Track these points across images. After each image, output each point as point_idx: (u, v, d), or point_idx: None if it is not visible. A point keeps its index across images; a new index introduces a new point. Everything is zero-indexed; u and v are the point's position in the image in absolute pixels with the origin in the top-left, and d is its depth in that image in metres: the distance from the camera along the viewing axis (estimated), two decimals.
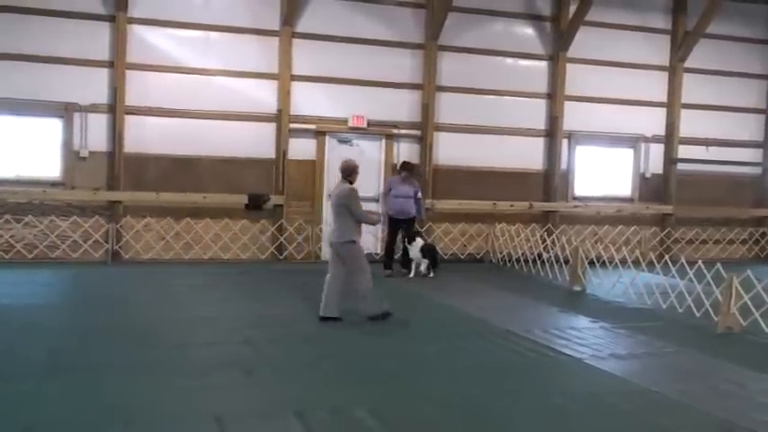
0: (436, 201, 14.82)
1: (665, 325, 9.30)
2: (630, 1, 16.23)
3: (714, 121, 16.87)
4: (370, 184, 14.01)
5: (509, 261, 14.28)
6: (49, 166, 13.13)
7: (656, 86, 16.56)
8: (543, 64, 15.78)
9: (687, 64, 16.55)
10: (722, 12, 15.98)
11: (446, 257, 14.33)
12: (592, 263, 12.06)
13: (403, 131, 14.84)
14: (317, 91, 14.31)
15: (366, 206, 9.88)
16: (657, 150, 16.67)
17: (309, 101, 14.24)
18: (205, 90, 13.68)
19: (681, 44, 16.47)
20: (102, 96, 13.22)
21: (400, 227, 12.75)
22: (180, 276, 11.86)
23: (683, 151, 16.69)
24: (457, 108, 15.11)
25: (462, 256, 14.97)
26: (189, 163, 13.65)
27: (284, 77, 14.01)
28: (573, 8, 15.50)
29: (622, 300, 10.96)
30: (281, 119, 14.01)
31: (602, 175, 16.45)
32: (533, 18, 15.70)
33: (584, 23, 15.42)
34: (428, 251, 12.73)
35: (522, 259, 13.88)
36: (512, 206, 15.49)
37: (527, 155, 15.65)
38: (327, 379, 6.60)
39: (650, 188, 16.64)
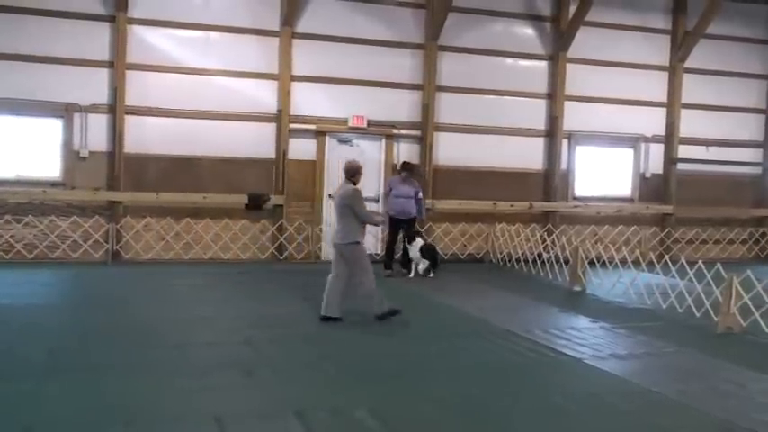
0: (436, 201, 14.82)
1: (665, 325, 9.30)
2: (630, 1, 16.23)
3: (714, 121, 16.87)
4: (370, 184, 14.00)
5: (509, 261, 14.28)
6: (49, 166, 13.13)
7: (656, 86, 16.56)
8: (543, 64, 15.78)
9: (687, 64, 16.55)
10: (722, 12, 15.98)
11: (446, 257, 14.33)
12: (592, 263, 12.06)
13: (403, 132, 14.84)
14: (317, 91, 14.31)
15: (367, 206, 9.87)
16: (657, 150, 16.67)
17: (309, 101, 14.24)
18: (205, 90, 13.69)
19: (681, 44, 16.47)
20: (103, 96, 13.22)
21: (401, 227, 12.76)
22: (180, 276, 11.86)
23: (683, 151, 16.69)
24: (457, 108, 15.11)
25: (462, 256, 14.97)
26: (189, 163, 13.65)
27: (284, 78, 14.01)
28: (573, 8, 15.50)
29: (622, 300, 10.96)
30: (281, 119, 14.02)
31: (602, 175, 16.45)
32: (533, 18, 15.70)
33: (584, 23, 15.42)
34: (428, 251, 12.73)
35: (522, 259, 13.88)
36: (512, 206, 15.49)
37: (527, 155, 15.66)
38: (327, 379, 6.60)
39: (650, 188, 16.64)
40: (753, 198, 17.45)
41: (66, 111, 13.06)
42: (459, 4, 14.61)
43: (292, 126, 14.15)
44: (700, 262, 10.05)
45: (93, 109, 13.17)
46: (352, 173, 9.07)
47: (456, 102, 15.10)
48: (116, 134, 13.17)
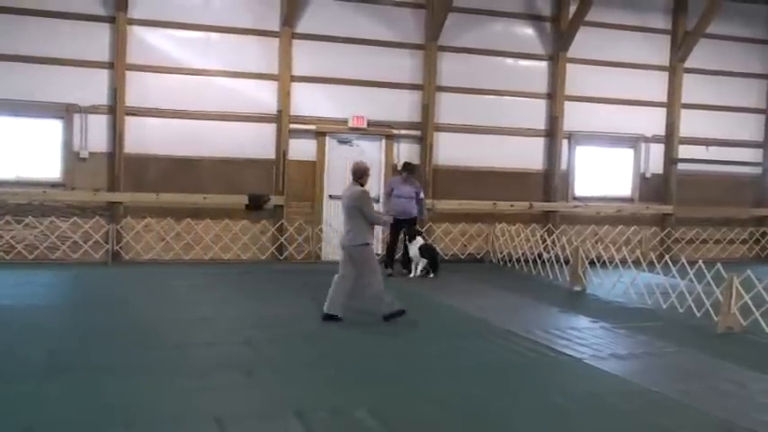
0: (436, 201, 14.81)
1: (665, 325, 9.30)
2: (630, 1, 16.23)
3: (714, 121, 16.87)
4: (370, 184, 13.91)
5: (509, 261, 14.28)
6: (49, 167, 13.13)
7: (657, 86, 16.56)
8: (543, 64, 15.78)
9: (687, 64, 16.55)
10: (722, 12, 15.98)
11: (446, 257, 14.33)
12: (592, 263, 12.06)
13: (403, 132, 14.84)
14: (317, 91, 14.31)
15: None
16: (657, 150, 16.67)
17: (309, 101, 14.25)
18: (205, 91, 13.69)
19: (681, 44, 16.47)
20: (103, 97, 13.23)
21: (402, 227, 12.76)
22: (180, 277, 11.86)
23: (684, 151, 16.69)
24: (457, 108, 15.11)
25: (462, 257, 14.97)
26: (189, 163, 13.65)
27: (284, 78, 14.02)
28: (573, 8, 15.50)
29: (623, 300, 10.95)
30: (282, 119, 14.02)
31: (602, 175, 16.45)
32: (533, 18, 15.70)
33: (584, 24, 15.42)
34: (427, 251, 12.73)
35: (522, 259, 13.88)
36: (512, 206, 15.49)
37: (527, 155, 15.66)
38: (327, 379, 6.60)
39: (650, 188, 16.64)
40: (753, 198, 17.45)
41: (66, 111, 13.06)
42: (459, 4, 14.61)
43: (292, 126, 14.15)
44: (700, 262, 10.05)
45: (94, 110, 13.18)
46: (360, 174, 9.07)
47: (456, 102, 15.10)
48: (116, 135, 13.18)
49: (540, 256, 13.40)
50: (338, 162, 14.41)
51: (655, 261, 11.26)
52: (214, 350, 7.46)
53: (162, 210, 13.53)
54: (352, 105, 14.45)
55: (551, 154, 15.78)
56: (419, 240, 12.72)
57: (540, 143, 15.80)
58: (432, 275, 12.65)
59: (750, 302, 8.90)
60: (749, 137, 17.33)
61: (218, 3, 13.92)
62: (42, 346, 7.26)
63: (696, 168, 16.70)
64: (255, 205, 13.94)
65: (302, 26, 14.16)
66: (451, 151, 15.09)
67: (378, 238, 14.23)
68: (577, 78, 15.76)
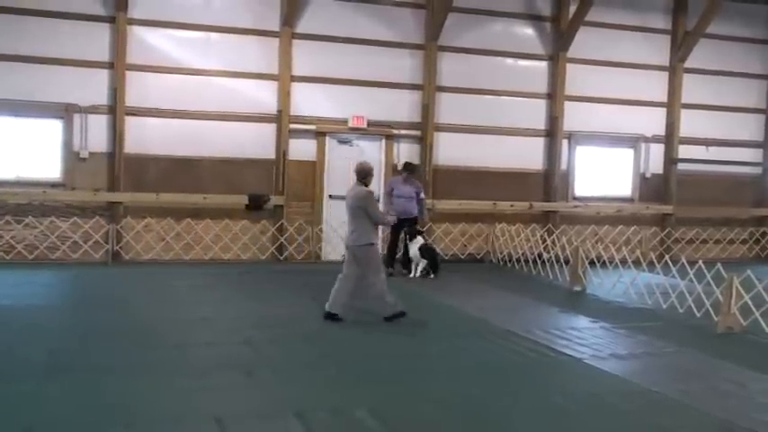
0: (436, 201, 14.81)
1: (665, 325, 9.30)
2: (630, 1, 16.23)
3: (714, 122, 16.87)
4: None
5: (509, 261, 14.28)
6: (49, 167, 13.13)
7: (657, 86, 16.56)
8: (543, 64, 15.78)
9: (687, 64, 16.55)
10: (722, 12, 15.97)
11: (446, 258, 14.33)
12: (592, 263, 12.06)
13: (403, 132, 14.85)
14: (317, 91, 14.31)
15: None
16: (657, 150, 16.67)
17: (309, 101, 14.25)
18: (205, 91, 13.69)
19: (681, 44, 16.47)
20: (103, 97, 13.23)
21: (403, 227, 12.76)
22: (180, 277, 11.86)
23: (684, 151, 16.69)
24: (457, 108, 15.11)
25: (462, 257, 14.97)
26: (189, 164, 13.65)
27: (284, 78, 14.02)
28: (573, 8, 15.50)
29: (623, 300, 10.95)
30: (282, 119, 14.02)
31: (602, 175, 16.44)
32: (533, 18, 15.70)
33: (584, 24, 15.42)
34: (427, 251, 12.73)
35: (522, 259, 13.88)
36: (512, 206, 15.49)
37: (527, 155, 15.66)
38: (328, 379, 6.60)
39: (650, 188, 16.64)
40: (753, 198, 17.45)
41: (66, 111, 13.06)
42: (459, 4, 14.61)
43: (292, 126, 14.15)
44: (700, 262, 10.05)
45: (93, 110, 13.18)
46: (364, 174, 9.08)
47: (456, 102, 15.10)
48: (116, 135, 13.18)
49: (540, 256, 13.40)
50: (338, 162, 14.42)
51: (655, 261, 11.26)
52: (214, 350, 7.46)
53: (162, 210, 13.52)
54: (352, 105, 14.45)
55: (551, 154, 15.78)
56: (419, 240, 12.72)
57: (540, 143, 15.80)
58: (432, 276, 12.65)
59: (750, 302, 8.90)
60: (749, 137, 17.33)
61: (218, 3, 13.92)
62: (42, 346, 7.26)
63: (696, 168, 16.70)
64: (255, 205, 13.94)
65: (302, 26, 14.16)
66: (451, 151, 15.09)
67: (379, 237, 14.25)
68: (577, 78, 15.76)
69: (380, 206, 13.11)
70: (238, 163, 13.89)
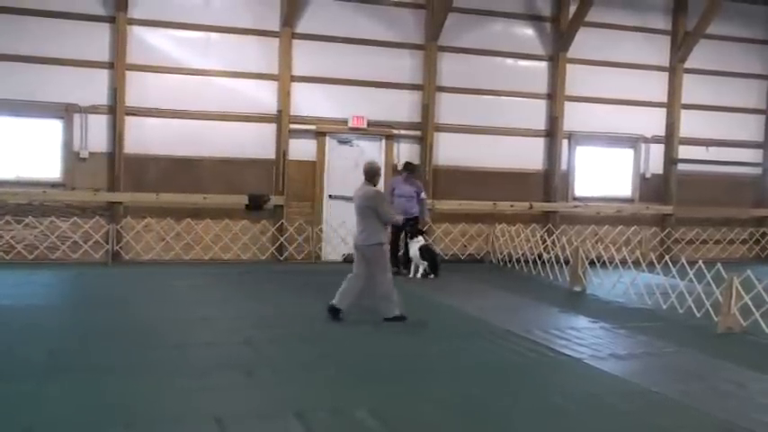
0: (436, 201, 14.80)
1: (665, 325, 9.30)
2: (630, 1, 16.23)
3: (714, 122, 16.87)
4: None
5: (509, 261, 14.28)
6: (49, 167, 13.13)
7: (656, 87, 16.56)
8: (543, 64, 15.79)
9: (687, 64, 16.55)
10: (722, 12, 15.98)
11: (446, 258, 14.33)
12: (592, 263, 12.05)
13: (403, 132, 14.85)
14: (317, 92, 14.32)
15: None
16: (657, 151, 16.67)
17: (309, 101, 14.25)
18: (205, 91, 13.69)
19: (681, 44, 16.47)
20: (103, 97, 13.23)
21: (404, 227, 12.77)
22: (180, 277, 11.86)
23: (683, 151, 16.69)
24: (457, 108, 15.11)
25: (462, 257, 14.97)
26: (189, 164, 13.65)
27: (284, 78, 14.02)
28: (573, 8, 15.50)
29: (623, 300, 10.95)
30: (282, 119, 14.02)
31: (602, 175, 16.45)
32: (533, 18, 15.70)
33: (584, 24, 15.42)
34: (427, 252, 12.73)
35: (522, 260, 13.88)
36: (512, 206, 15.49)
37: (527, 155, 15.66)
38: (327, 379, 6.60)
39: (650, 188, 16.64)
40: (753, 198, 17.46)
41: (66, 111, 13.06)
42: (459, 5, 14.61)
43: (292, 126, 14.15)
44: (700, 262, 10.04)
45: (93, 110, 13.18)
46: (372, 174, 9.12)
47: (456, 102, 15.11)
48: (116, 135, 13.18)
49: (540, 256, 13.40)
50: (338, 162, 14.44)
51: (655, 261, 11.26)
52: (214, 350, 7.46)
53: (162, 210, 13.53)
54: (352, 105, 14.45)
55: (551, 154, 15.78)
56: (420, 240, 12.73)
57: (540, 143, 15.81)
58: (432, 276, 12.65)
59: (750, 303, 8.89)
60: (749, 137, 17.33)
61: (218, 3, 13.92)
62: (42, 346, 7.26)
63: (696, 169, 16.71)
64: (255, 205, 13.94)
65: (302, 26, 14.16)
66: (451, 151, 15.09)
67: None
68: (577, 79, 15.76)
69: None
70: (238, 163, 13.89)
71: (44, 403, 5.65)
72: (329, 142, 14.46)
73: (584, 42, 15.62)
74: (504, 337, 8.36)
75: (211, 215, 13.77)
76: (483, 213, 15.25)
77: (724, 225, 17.01)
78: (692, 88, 16.62)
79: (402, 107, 14.81)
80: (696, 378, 6.95)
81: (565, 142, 15.88)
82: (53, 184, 13.10)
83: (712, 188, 16.76)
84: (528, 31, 15.71)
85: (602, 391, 6.43)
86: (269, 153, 14.06)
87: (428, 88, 14.81)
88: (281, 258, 14.06)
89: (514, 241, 14.33)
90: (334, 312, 8.83)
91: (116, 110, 13.16)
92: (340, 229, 14.24)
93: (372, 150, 14.62)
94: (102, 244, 13.23)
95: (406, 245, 12.86)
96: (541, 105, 15.78)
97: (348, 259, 14.07)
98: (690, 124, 16.68)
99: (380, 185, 13.90)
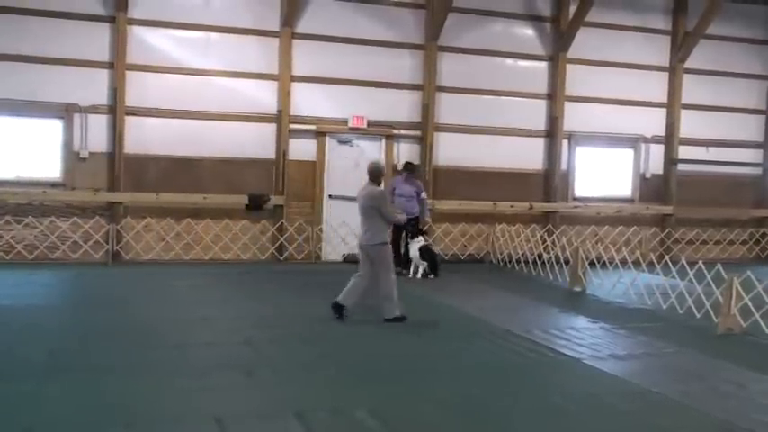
0: (436, 201, 14.80)
1: (665, 325, 9.30)
2: (630, 1, 16.23)
3: (714, 122, 16.87)
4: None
5: (509, 262, 14.28)
6: (49, 166, 13.13)
7: (657, 87, 16.56)
8: (543, 64, 15.79)
9: (687, 65, 16.55)
10: (722, 13, 15.98)
11: (446, 258, 14.34)
12: (592, 263, 12.05)
13: (403, 132, 14.85)
14: (317, 92, 14.32)
15: None
16: (657, 151, 16.67)
17: (309, 101, 14.25)
18: (205, 91, 13.69)
19: (681, 45, 16.47)
20: (103, 97, 13.23)
21: (405, 227, 12.77)
22: (180, 277, 11.86)
23: (683, 152, 16.69)
24: (457, 108, 15.11)
25: (462, 257, 14.98)
26: (189, 164, 13.65)
27: (284, 78, 14.02)
28: (573, 9, 15.50)
29: (622, 300, 10.95)
30: (282, 119, 14.02)
31: (602, 175, 16.45)
32: (533, 19, 15.70)
33: (584, 24, 15.42)
34: (427, 252, 12.73)
35: (522, 260, 13.88)
36: (512, 207, 15.49)
37: (527, 155, 15.66)
38: (327, 379, 6.60)
39: (650, 189, 16.64)
40: (753, 199, 17.45)
41: (66, 111, 13.06)
42: (460, 5, 14.61)
43: (292, 126, 14.15)
44: (700, 262, 10.04)
45: (94, 110, 13.18)
46: (377, 174, 9.15)
47: (456, 102, 15.11)
48: (116, 135, 13.18)
49: (540, 256, 13.40)
50: (338, 162, 14.44)
51: (655, 262, 11.26)
52: (214, 350, 7.46)
53: (162, 210, 13.53)
54: (352, 105, 14.46)
55: (551, 154, 15.79)
56: (420, 240, 12.73)
57: (540, 143, 15.81)
58: (432, 276, 12.65)
59: (750, 303, 8.89)
60: (749, 137, 17.33)
61: (218, 3, 13.93)
62: (42, 346, 7.26)
63: (696, 169, 16.71)
64: (255, 205, 13.94)
65: (302, 26, 14.16)
66: (451, 151, 15.10)
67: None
68: (577, 79, 15.77)
69: None
70: (238, 163, 13.89)
71: (44, 403, 5.65)
72: (329, 142, 14.46)
73: (584, 42, 15.62)
74: (504, 337, 8.36)
75: (211, 215, 13.77)
76: (483, 213, 15.25)
77: (724, 225, 17.01)
78: (692, 88, 16.62)
79: (402, 107, 14.81)
80: (696, 378, 6.95)
81: (565, 142, 15.88)
82: (53, 184, 13.10)
83: (712, 188, 16.76)
84: (528, 31, 15.72)
85: (602, 391, 6.44)
86: (269, 153, 14.06)
87: (428, 88, 14.82)
88: (281, 258, 14.06)
89: (514, 241, 14.33)
90: (338, 309, 8.86)
91: (116, 110, 13.16)
92: (340, 229, 14.24)
93: (372, 150, 14.63)
94: (102, 244, 13.23)
95: (407, 245, 12.87)
96: (541, 105, 15.78)
97: (348, 259, 14.13)
98: (690, 124, 16.68)
99: (382, 185, 14.16)
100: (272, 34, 13.99)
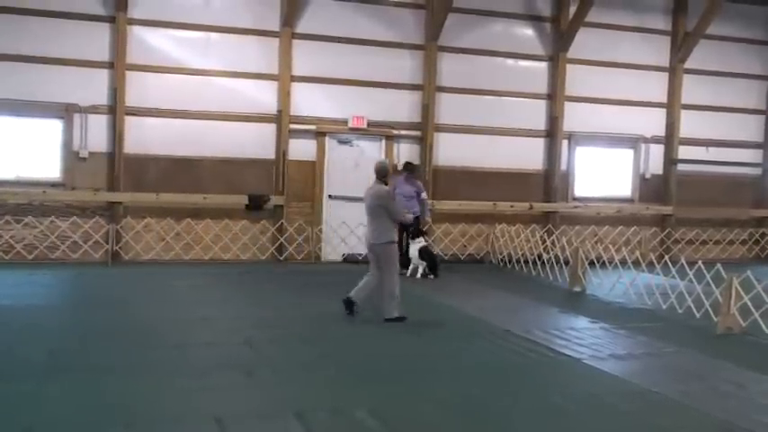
0: (436, 201, 14.80)
1: (665, 325, 9.30)
2: (630, 2, 16.24)
3: (714, 122, 16.88)
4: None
5: (509, 262, 14.28)
6: (49, 166, 13.13)
7: (656, 87, 16.57)
8: (543, 65, 15.79)
9: (687, 65, 16.56)
10: (722, 13, 15.99)
11: (446, 258, 14.34)
12: (592, 263, 12.06)
13: (403, 132, 14.85)
14: (317, 92, 14.32)
15: None
16: (657, 151, 16.68)
17: (309, 101, 14.26)
18: (205, 91, 13.70)
19: (681, 45, 16.48)
20: (103, 97, 13.23)
21: (407, 227, 12.77)
22: (180, 277, 11.86)
23: (683, 152, 16.70)
24: (457, 109, 15.12)
25: (462, 257, 14.98)
26: (189, 164, 13.65)
27: (284, 78, 14.02)
28: (573, 9, 15.51)
29: (622, 300, 10.95)
30: (282, 119, 14.02)
31: (602, 175, 16.46)
32: (533, 19, 15.71)
33: (584, 24, 15.43)
34: (426, 253, 12.73)
35: (522, 260, 13.88)
36: (512, 207, 15.50)
37: (527, 155, 15.67)
38: (327, 379, 6.60)
39: (650, 189, 16.65)
40: (752, 199, 17.46)
41: (66, 111, 13.07)
42: (460, 5, 14.61)
43: (292, 126, 14.15)
44: (700, 262, 10.04)
45: (93, 109, 13.18)
46: (383, 173, 9.20)
47: (456, 102, 15.11)
48: (116, 135, 13.18)
49: (539, 256, 13.40)
50: (338, 162, 14.44)
51: (654, 262, 11.26)
52: (214, 350, 7.46)
53: (162, 210, 13.53)
54: (352, 105, 14.46)
55: (551, 154, 15.79)
56: (421, 240, 12.73)
57: (539, 144, 15.81)
58: (432, 276, 12.65)
59: (749, 303, 8.89)
60: (749, 138, 17.34)
61: (218, 3, 13.93)
62: (42, 346, 7.26)
63: (696, 169, 16.71)
64: (255, 205, 13.94)
65: (302, 26, 14.16)
66: (451, 151, 15.10)
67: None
68: (577, 79, 15.77)
69: None
70: (238, 163, 13.89)
71: (44, 403, 5.65)
72: (329, 142, 14.46)
73: (584, 42, 15.62)
74: (504, 337, 8.36)
75: (211, 215, 13.77)
76: (483, 213, 15.25)
77: (724, 225, 17.01)
78: (692, 88, 16.63)
79: (402, 107, 14.81)
80: (696, 378, 6.96)
81: (565, 142, 15.89)
82: (53, 184, 13.10)
83: (712, 188, 16.77)
84: (528, 32, 15.72)
85: (602, 391, 6.44)
86: (269, 153, 14.07)
87: (428, 88, 14.82)
88: (281, 258, 14.06)
89: (514, 241, 14.33)
90: (350, 305, 8.95)
91: (116, 110, 13.16)
92: (340, 230, 14.24)
93: (372, 150, 14.63)
94: (102, 244, 13.23)
95: (407, 245, 12.87)
96: (541, 105, 15.78)
97: (348, 259, 14.14)
98: (690, 124, 16.69)
99: None
100: (272, 34, 13.99)
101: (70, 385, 6.11)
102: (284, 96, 14.00)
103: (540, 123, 15.79)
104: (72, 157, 13.14)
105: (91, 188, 13.22)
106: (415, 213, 12.84)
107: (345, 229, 14.12)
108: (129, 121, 13.27)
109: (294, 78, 14.11)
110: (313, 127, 14.32)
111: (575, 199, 16.13)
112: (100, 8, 13.14)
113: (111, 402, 5.71)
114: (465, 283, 12.48)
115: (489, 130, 15.31)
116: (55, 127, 13.11)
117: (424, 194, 13.25)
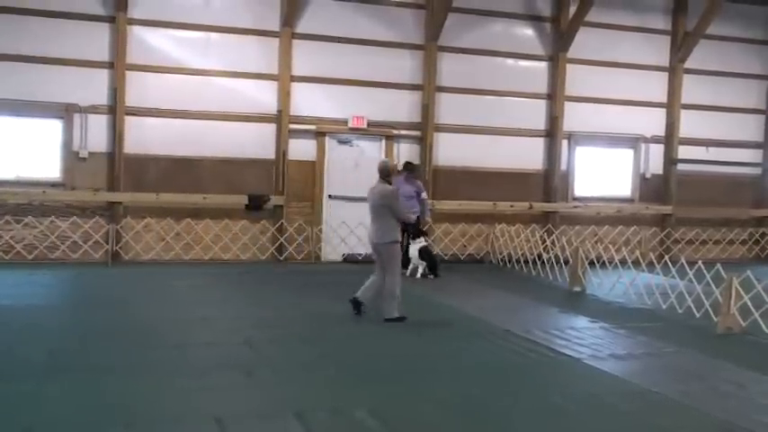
0: (436, 201, 14.80)
1: (664, 325, 9.30)
2: (630, 1, 16.24)
3: (714, 122, 16.88)
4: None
5: (509, 262, 14.29)
6: (48, 166, 13.13)
7: (656, 87, 16.57)
8: (543, 64, 15.79)
9: (687, 65, 16.56)
10: (722, 13, 15.99)
11: (446, 258, 14.34)
12: (592, 263, 12.06)
13: (403, 132, 14.85)
14: (317, 92, 14.32)
15: None
16: (657, 151, 16.68)
17: (309, 101, 14.26)
18: (205, 91, 13.70)
19: (681, 45, 16.48)
20: (103, 97, 13.23)
21: (407, 227, 12.77)
22: (180, 277, 11.85)
23: (683, 152, 16.70)
24: (457, 109, 15.12)
25: (462, 257, 14.98)
26: (189, 164, 13.65)
27: (284, 78, 14.02)
28: (573, 9, 15.51)
29: (622, 300, 10.95)
30: (282, 119, 14.02)
31: (602, 175, 16.46)
32: (533, 19, 15.71)
33: (584, 24, 15.43)
34: (426, 254, 12.73)
35: (522, 260, 13.88)
36: (512, 207, 15.50)
37: (527, 155, 15.67)
38: (327, 380, 6.60)
39: (650, 188, 16.65)
40: (752, 198, 17.46)
41: (66, 111, 13.07)
42: (459, 5, 14.61)
43: (292, 126, 14.15)
44: (699, 262, 10.04)
45: (93, 109, 13.18)
46: (387, 173, 9.22)
47: (456, 102, 15.11)
48: (116, 135, 13.18)
49: (539, 256, 13.40)
50: (338, 162, 14.44)
51: (654, 261, 11.26)
52: (214, 350, 7.46)
53: (162, 210, 13.53)
54: (352, 105, 14.46)
55: (551, 154, 15.79)
56: (421, 240, 12.73)
57: (539, 143, 15.81)
58: (431, 276, 12.65)
59: (749, 303, 8.90)
60: (749, 137, 17.34)
61: (218, 3, 13.93)
62: (42, 346, 7.26)
63: (696, 169, 16.71)
64: (255, 205, 13.94)
65: (302, 26, 14.16)
66: (451, 151, 15.10)
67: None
68: (577, 79, 15.77)
69: None
70: (238, 163, 13.89)
71: (44, 403, 5.65)
72: (329, 142, 14.46)
73: (584, 42, 15.62)
74: (504, 337, 8.36)
75: (211, 215, 13.77)
76: (483, 213, 15.25)
77: (724, 225, 17.01)
78: (692, 88, 16.63)
79: (402, 107, 14.82)
80: (696, 378, 6.96)
81: (565, 142, 15.89)
82: (53, 184, 13.10)
83: (712, 188, 16.77)
84: (528, 31, 15.72)
85: (602, 391, 6.44)
86: (269, 153, 14.07)
87: (428, 88, 14.82)
88: (281, 258, 14.06)
89: (514, 241, 14.34)
90: (357, 305, 8.98)
91: (116, 110, 13.16)
92: (340, 230, 14.24)
93: (372, 150, 14.63)
94: (102, 244, 13.23)
95: (407, 245, 12.86)
96: (541, 105, 15.78)
97: (348, 259, 14.14)
98: (689, 124, 16.69)
99: None
100: (272, 34, 14.00)
101: (70, 385, 6.11)
102: (284, 96, 14.00)
103: (540, 123, 15.79)
104: (72, 157, 13.14)
105: (91, 188, 13.22)
106: (415, 213, 12.89)
107: (345, 229, 14.13)
108: (129, 121, 13.28)
109: (294, 78, 14.11)
110: (313, 127, 14.32)
111: (575, 199, 16.13)
112: (100, 8, 13.14)
113: (111, 402, 5.71)
114: (465, 282, 12.48)
115: (489, 129, 15.31)
116: (55, 127, 13.11)
117: (424, 194, 13.26)
